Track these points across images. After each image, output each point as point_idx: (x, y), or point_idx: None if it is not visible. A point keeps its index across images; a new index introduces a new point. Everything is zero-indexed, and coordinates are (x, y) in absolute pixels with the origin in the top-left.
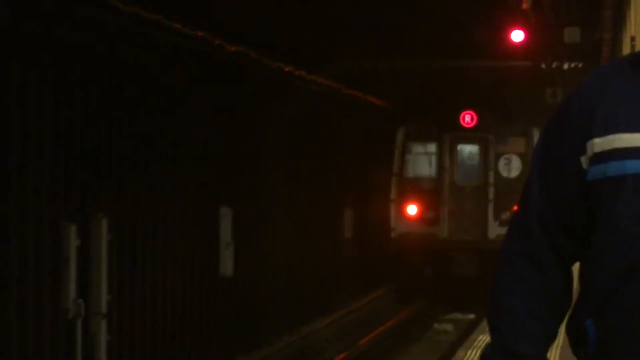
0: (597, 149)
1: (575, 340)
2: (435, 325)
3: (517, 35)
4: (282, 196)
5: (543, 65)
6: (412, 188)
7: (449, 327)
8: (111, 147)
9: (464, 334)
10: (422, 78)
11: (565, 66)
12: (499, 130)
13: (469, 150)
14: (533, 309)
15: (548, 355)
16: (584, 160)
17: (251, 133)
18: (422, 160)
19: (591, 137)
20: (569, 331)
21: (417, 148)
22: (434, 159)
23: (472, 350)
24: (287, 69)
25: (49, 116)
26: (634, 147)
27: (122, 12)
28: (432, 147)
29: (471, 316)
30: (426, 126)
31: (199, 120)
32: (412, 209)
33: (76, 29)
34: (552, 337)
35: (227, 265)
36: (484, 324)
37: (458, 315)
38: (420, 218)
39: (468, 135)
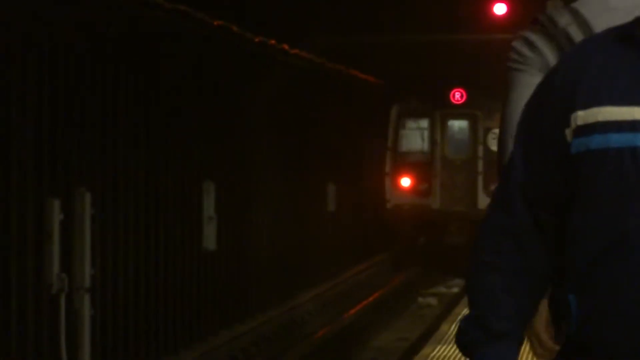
0: (580, 122)
1: (558, 314)
2: (420, 299)
3: (500, 8)
4: (266, 171)
5: None
6: (406, 161)
7: (433, 300)
8: (95, 121)
9: (448, 308)
10: (407, 53)
11: None
12: (486, 106)
13: (458, 125)
14: (511, 286)
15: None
16: (568, 133)
17: (235, 107)
18: (415, 135)
19: (575, 109)
20: (551, 305)
21: (410, 124)
22: (426, 134)
23: (456, 325)
24: (271, 42)
25: (33, 90)
26: (617, 120)
27: None
28: (424, 123)
29: (455, 290)
30: (418, 103)
31: (181, 96)
32: (405, 181)
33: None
34: (530, 314)
35: (210, 239)
36: None
37: (442, 289)
38: (414, 190)
39: (458, 112)
